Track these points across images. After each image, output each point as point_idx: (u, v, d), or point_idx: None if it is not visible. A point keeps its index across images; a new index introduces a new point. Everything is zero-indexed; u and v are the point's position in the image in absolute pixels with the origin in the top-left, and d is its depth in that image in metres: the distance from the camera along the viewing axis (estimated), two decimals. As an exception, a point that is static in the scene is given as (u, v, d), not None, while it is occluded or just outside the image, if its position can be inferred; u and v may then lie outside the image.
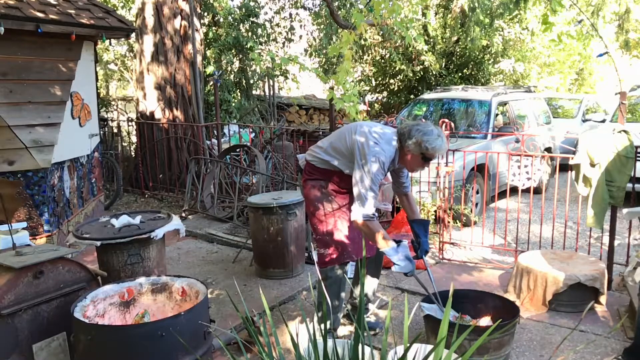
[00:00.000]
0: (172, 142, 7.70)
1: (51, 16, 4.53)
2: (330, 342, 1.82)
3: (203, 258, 5.00)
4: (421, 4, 12.07)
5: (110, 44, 6.90)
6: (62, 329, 2.74)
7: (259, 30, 11.08)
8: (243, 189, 6.36)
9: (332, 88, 5.11)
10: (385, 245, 2.87)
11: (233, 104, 10.12)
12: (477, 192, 6.07)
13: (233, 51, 10.33)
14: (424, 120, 6.12)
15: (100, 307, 2.74)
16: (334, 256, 3.08)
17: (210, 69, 9.21)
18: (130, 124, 8.54)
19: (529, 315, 3.60)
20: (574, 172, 4.23)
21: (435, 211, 5.11)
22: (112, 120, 9.05)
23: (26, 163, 4.55)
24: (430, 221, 3.33)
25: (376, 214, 2.96)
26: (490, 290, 3.70)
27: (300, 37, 12.76)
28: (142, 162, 7.67)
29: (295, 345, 1.77)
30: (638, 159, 4.06)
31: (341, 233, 3.10)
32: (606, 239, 4.20)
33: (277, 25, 12.28)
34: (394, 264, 2.88)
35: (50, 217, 4.74)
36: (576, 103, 11.17)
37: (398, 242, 2.94)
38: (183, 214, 6.28)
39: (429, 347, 2.30)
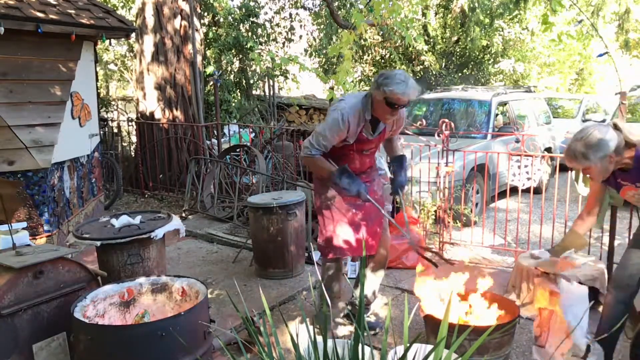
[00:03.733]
0: (172, 142, 7.70)
1: (51, 16, 4.53)
2: (330, 342, 1.82)
3: (203, 258, 5.00)
4: (421, 4, 12.08)
5: (110, 44, 6.90)
6: (62, 329, 2.74)
7: (259, 30, 11.09)
8: (243, 189, 6.35)
9: (332, 88, 5.11)
10: (328, 171, 3.01)
11: (233, 104, 10.12)
12: (477, 192, 6.06)
13: (233, 51, 10.33)
14: (423, 121, 6.12)
15: (100, 307, 2.74)
16: (328, 249, 3.19)
17: (210, 69, 9.21)
18: (130, 124, 8.54)
19: (529, 315, 3.59)
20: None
21: (435, 211, 5.10)
22: (112, 120, 9.05)
23: (26, 163, 4.55)
24: (405, 155, 3.29)
25: (319, 152, 3.04)
26: (490, 290, 3.69)
27: (300, 37, 12.76)
28: (142, 162, 7.67)
29: (295, 345, 1.77)
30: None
31: (337, 229, 3.16)
32: (606, 239, 4.20)
33: (277, 25, 12.29)
34: (343, 187, 2.96)
35: (50, 217, 4.74)
36: (576, 103, 11.17)
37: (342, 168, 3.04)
38: (183, 214, 6.28)
39: (429, 347, 2.29)
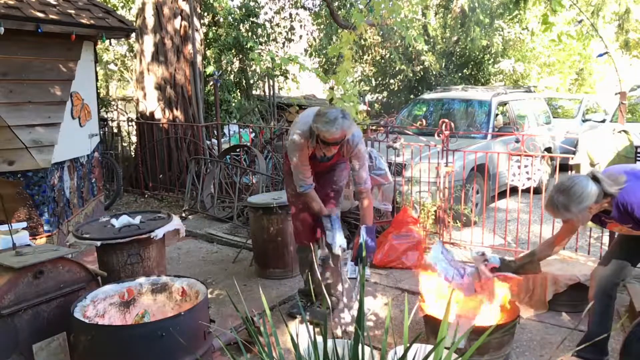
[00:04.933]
0: (172, 142, 7.70)
1: (51, 16, 4.52)
2: (330, 342, 1.82)
3: (203, 258, 5.00)
4: (421, 4, 12.08)
5: (110, 44, 6.90)
6: (62, 329, 2.74)
7: (259, 30, 11.08)
8: (243, 189, 6.35)
9: (332, 88, 5.12)
10: (317, 209, 3.31)
11: (233, 104, 10.12)
12: (477, 192, 6.07)
13: (233, 51, 10.33)
14: (423, 121, 6.11)
15: (100, 307, 2.74)
16: (295, 236, 3.61)
17: (210, 69, 9.20)
18: (130, 124, 8.54)
19: (529, 315, 3.60)
20: (574, 172, 4.24)
21: (435, 211, 5.10)
22: (112, 120, 9.05)
23: (26, 163, 4.55)
24: (370, 227, 3.33)
25: (312, 185, 3.25)
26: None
27: (300, 37, 12.75)
28: (142, 162, 7.67)
29: (295, 345, 1.77)
30: (638, 159, 4.07)
31: (296, 218, 3.50)
32: (606, 239, 4.20)
33: (277, 25, 12.28)
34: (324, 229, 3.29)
35: (50, 217, 4.74)
36: (576, 103, 11.16)
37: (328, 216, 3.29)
38: (183, 214, 6.28)
39: (429, 347, 2.29)
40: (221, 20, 10.46)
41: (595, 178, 2.45)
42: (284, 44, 12.27)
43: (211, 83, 9.34)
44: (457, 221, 5.24)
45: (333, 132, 2.92)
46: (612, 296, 2.83)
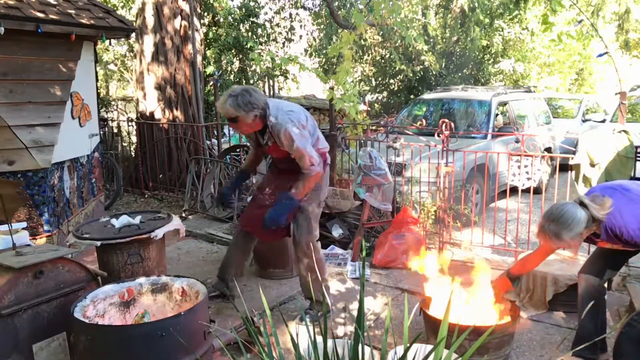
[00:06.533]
0: (172, 142, 7.70)
1: (51, 16, 4.52)
2: (330, 342, 1.82)
3: (203, 258, 5.00)
4: (421, 4, 12.08)
5: (110, 44, 6.90)
6: (62, 329, 2.74)
7: (259, 30, 11.09)
8: (243, 189, 6.35)
9: (332, 88, 5.11)
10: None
11: (233, 104, 10.10)
12: (477, 192, 6.06)
13: (233, 51, 10.34)
14: (423, 121, 6.12)
15: (100, 307, 2.74)
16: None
17: (210, 69, 9.21)
18: (130, 124, 8.54)
19: (529, 315, 3.60)
20: (574, 172, 4.24)
21: (435, 211, 5.10)
22: (112, 120, 9.05)
23: (26, 163, 4.55)
24: (288, 194, 3.20)
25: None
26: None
27: (300, 37, 12.76)
28: (142, 162, 7.67)
29: (295, 345, 1.77)
30: (638, 159, 4.07)
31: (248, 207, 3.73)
32: (606, 239, 4.19)
33: (277, 25, 12.29)
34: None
35: (50, 217, 4.74)
36: (576, 103, 11.16)
37: None
38: (183, 214, 6.28)
39: (429, 347, 2.29)
40: (221, 20, 10.47)
41: (582, 204, 2.51)
42: (284, 44, 12.27)
43: (211, 83, 9.34)
44: (457, 221, 5.24)
45: (219, 106, 3.02)
46: (602, 292, 2.89)
